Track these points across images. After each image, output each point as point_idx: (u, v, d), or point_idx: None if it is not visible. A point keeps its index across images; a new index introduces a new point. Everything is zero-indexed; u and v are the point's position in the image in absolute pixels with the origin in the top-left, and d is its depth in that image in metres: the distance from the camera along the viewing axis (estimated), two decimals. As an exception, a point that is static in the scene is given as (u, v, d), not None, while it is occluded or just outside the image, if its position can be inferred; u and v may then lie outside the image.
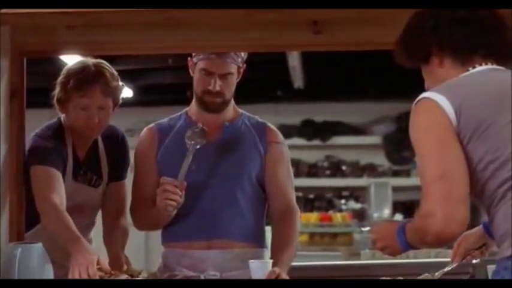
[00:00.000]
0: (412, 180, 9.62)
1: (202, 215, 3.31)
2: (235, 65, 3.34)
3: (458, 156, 2.28)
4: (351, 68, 8.42)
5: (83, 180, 3.47)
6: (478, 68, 2.44)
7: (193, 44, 3.28)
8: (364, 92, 9.41)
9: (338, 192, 9.64)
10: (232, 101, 3.43)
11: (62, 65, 3.58)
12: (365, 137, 9.68)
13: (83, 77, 3.34)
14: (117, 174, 3.53)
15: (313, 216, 7.91)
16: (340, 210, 8.61)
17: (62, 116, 3.49)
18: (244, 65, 3.39)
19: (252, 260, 3.08)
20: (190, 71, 3.40)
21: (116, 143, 3.54)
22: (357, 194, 9.47)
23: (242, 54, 3.36)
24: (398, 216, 7.48)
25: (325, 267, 4.39)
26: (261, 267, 3.06)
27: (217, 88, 3.31)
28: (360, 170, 9.42)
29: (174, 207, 3.19)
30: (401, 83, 9.00)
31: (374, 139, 9.68)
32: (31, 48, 3.25)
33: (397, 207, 9.02)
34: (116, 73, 3.45)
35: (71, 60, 3.77)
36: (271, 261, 3.09)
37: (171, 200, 3.16)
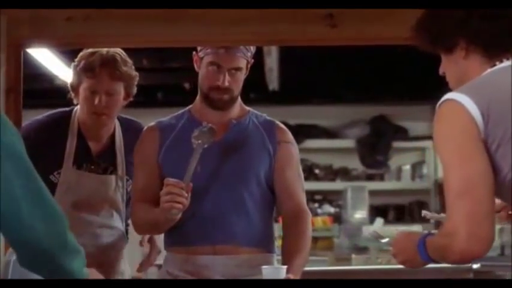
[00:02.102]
0: (386, 184, 9.55)
1: (207, 218, 3.13)
2: (245, 59, 3.16)
3: (484, 169, 2.14)
4: (326, 70, 8.33)
5: (93, 169, 3.40)
6: (504, 64, 2.31)
7: (199, 37, 3.11)
8: (338, 95, 9.32)
9: (311, 195, 9.50)
10: (239, 98, 3.27)
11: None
12: (338, 140, 9.56)
13: (93, 59, 3.32)
14: None
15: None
16: (316, 214, 8.47)
17: (76, 107, 3.46)
18: (253, 60, 3.22)
19: (265, 266, 2.91)
20: (196, 66, 3.22)
21: (132, 138, 3.41)
22: (330, 197, 9.34)
23: (251, 48, 3.18)
24: (379, 221, 7.39)
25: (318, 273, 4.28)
26: (274, 274, 2.89)
27: (226, 84, 3.13)
28: (333, 173, 9.28)
29: (180, 210, 3.01)
30: (376, 86, 9.00)
31: (347, 142, 9.57)
32: (28, 41, 3.06)
33: (372, 211, 8.92)
34: (130, 61, 3.41)
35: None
36: (285, 267, 2.91)
37: (176, 202, 2.98)
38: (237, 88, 3.19)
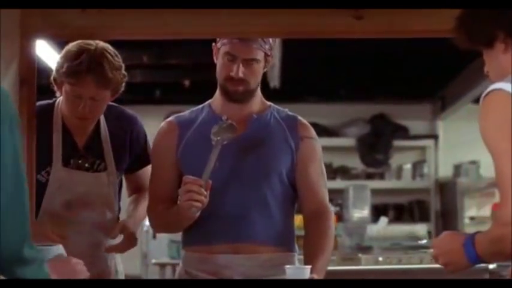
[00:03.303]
0: (386, 183, 9.47)
1: (227, 216, 3.02)
2: (262, 51, 3.03)
3: None
4: (326, 69, 8.25)
5: (82, 166, 3.23)
6: None
7: (221, 29, 2.97)
8: (338, 94, 9.24)
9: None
10: (259, 92, 3.16)
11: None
12: (338, 139, 9.47)
13: (77, 65, 3.06)
14: (130, 165, 3.32)
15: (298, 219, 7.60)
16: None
17: (59, 99, 3.25)
18: (272, 54, 3.10)
19: (288, 266, 2.80)
20: (214, 57, 3.10)
21: (121, 128, 3.29)
22: (330, 196, 9.23)
23: (271, 40, 3.06)
24: (384, 220, 7.29)
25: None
26: (298, 274, 2.78)
27: (240, 74, 3.00)
28: (333, 172, 9.19)
29: (199, 209, 2.90)
30: (376, 84, 8.92)
31: (347, 141, 9.49)
32: (41, 32, 2.93)
33: (372, 210, 8.83)
34: (118, 61, 3.16)
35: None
36: (309, 267, 2.80)
37: (195, 200, 2.88)
38: (254, 80, 3.05)
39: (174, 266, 6.75)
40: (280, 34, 3.01)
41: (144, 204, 3.27)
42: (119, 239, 3.27)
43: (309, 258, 2.95)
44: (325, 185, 3.13)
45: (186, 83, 8.57)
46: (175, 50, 7.41)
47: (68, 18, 2.94)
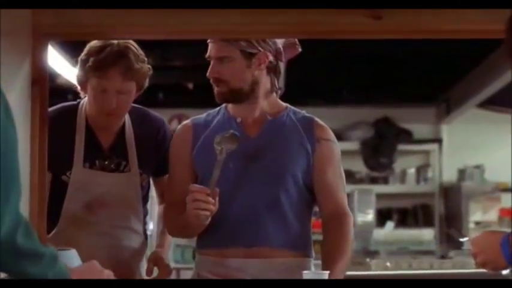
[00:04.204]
0: (390, 188, 9.41)
1: (241, 220, 2.95)
2: (236, 48, 2.94)
3: None
4: (330, 72, 8.19)
5: (107, 168, 3.20)
6: None
7: (234, 28, 2.88)
8: (341, 97, 9.18)
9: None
10: (273, 94, 3.09)
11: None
12: (342, 143, 9.36)
13: (103, 57, 3.08)
14: (154, 169, 3.27)
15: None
16: (322, 217, 8.34)
17: (83, 100, 3.25)
18: (262, 51, 2.96)
19: (305, 271, 2.72)
20: None
21: (147, 131, 3.26)
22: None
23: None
24: (390, 224, 7.24)
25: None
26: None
27: (214, 74, 2.96)
28: (337, 176, 9.13)
29: (207, 217, 2.85)
30: (379, 88, 8.87)
31: (351, 145, 9.43)
32: (54, 31, 2.87)
33: (376, 214, 8.77)
34: (142, 54, 3.18)
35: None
36: (327, 272, 2.72)
37: (202, 209, 2.82)
38: (234, 79, 2.96)
39: (178, 270, 6.69)
40: (293, 34, 2.92)
41: None
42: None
43: (327, 263, 2.89)
44: (343, 188, 3.06)
45: (190, 85, 8.50)
46: (178, 51, 7.33)
47: (81, 16, 2.85)
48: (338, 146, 3.09)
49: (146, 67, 3.19)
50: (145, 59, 3.20)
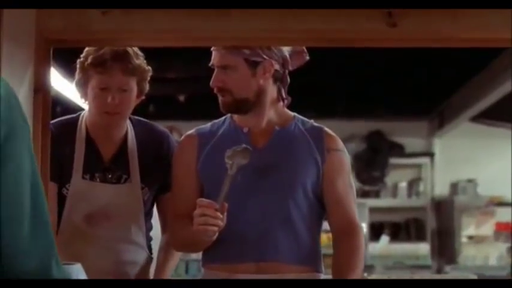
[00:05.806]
0: (382, 201, 9.35)
1: (249, 233, 2.85)
2: (240, 57, 2.86)
3: None
4: (322, 85, 8.14)
5: (108, 180, 3.12)
6: None
7: (248, 35, 2.79)
8: (334, 110, 9.13)
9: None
10: (280, 103, 3.01)
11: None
12: (334, 156, 9.34)
13: (102, 53, 3.05)
14: (157, 184, 3.14)
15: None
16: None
17: (83, 112, 3.19)
18: (267, 59, 2.88)
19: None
20: None
21: (151, 143, 3.18)
22: (327, 214, 9.15)
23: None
24: (385, 238, 7.15)
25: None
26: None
27: (218, 84, 2.88)
28: (329, 190, 9.07)
29: (215, 232, 2.74)
30: (372, 101, 8.82)
31: (343, 158, 9.35)
32: (59, 36, 2.77)
33: (368, 228, 8.71)
34: (141, 54, 3.14)
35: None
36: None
37: (210, 225, 2.72)
38: (237, 88, 2.88)
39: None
40: (306, 42, 2.84)
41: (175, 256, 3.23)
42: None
43: (337, 277, 2.81)
44: (354, 199, 2.96)
45: (181, 97, 8.42)
46: (170, 63, 7.25)
47: (89, 21, 2.76)
48: (348, 157, 3.01)
49: (145, 64, 3.15)
50: (145, 60, 3.15)
